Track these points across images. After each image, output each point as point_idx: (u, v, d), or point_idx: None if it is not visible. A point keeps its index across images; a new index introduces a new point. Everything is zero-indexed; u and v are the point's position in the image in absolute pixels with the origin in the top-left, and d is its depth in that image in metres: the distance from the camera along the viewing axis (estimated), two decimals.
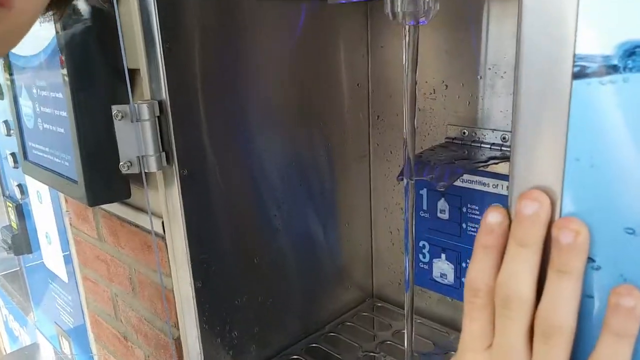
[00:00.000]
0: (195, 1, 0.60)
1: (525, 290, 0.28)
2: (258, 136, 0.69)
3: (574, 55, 0.28)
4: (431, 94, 0.75)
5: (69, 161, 0.68)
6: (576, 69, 0.28)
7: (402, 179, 0.61)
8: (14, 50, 0.76)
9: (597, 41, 0.27)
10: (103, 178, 0.66)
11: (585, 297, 0.29)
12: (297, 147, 0.75)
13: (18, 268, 1.51)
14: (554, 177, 0.29)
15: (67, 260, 1.01)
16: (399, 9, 0.53)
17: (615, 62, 0.27)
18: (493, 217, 0.29)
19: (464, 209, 0.77)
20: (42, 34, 0.65)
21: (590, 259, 0.28)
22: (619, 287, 0.27)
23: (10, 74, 0.77)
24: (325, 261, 0.84)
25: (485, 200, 0.74)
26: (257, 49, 0.67)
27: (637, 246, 0.28)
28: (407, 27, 0.54)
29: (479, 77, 0.70)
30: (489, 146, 0.71)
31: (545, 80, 0.29)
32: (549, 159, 0.29)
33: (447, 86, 0.73)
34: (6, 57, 0.77)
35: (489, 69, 0.69)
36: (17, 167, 1.08)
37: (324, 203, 0.82)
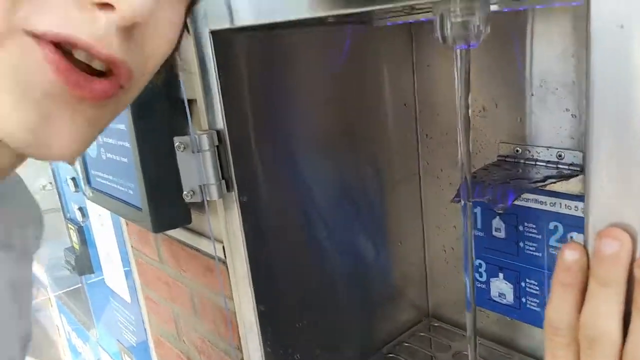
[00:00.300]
0: (246, 34, 0.62)
1: (612, 330, 0.28)
2: (307, 160, 0.71)
3: None
4: (480, 111, 0.75)
5: (133, 189, 0.71)
6: None
7: (459, 201, 0.61)
8: None
9: None
10: (166, 205, 0.68)
11: None
12: (346, 169, 0.76)
13: (79, 285, 1.58)
14: (635, 214, 0.29)
15: (129, 280, 1.05)
16: (448, 33, 0.54)
17: None
18: (570, 254, 0.29)
19: (521, 228, 0.76)
20: None
21: None
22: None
23: None
24: (379, 281, 0.85)
25: (542, 218, 0.72)
26: (303, 76, 0.68)
27: None
28: (457, 50, 0.54)
29: (529, 94, 0.69)
30: (544, 164, 0.70)
31: (622, 109, 0.28)
32: (628, 193, 0.29)
33: (496, 104, 0.73)
34: None
35: (540, 85, 0.68)
36: (78, 192, 1.14)
37: (375, 223, 0.82)
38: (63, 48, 0.27)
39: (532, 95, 0.69)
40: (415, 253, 0.89)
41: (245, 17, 0.53)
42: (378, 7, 0.40)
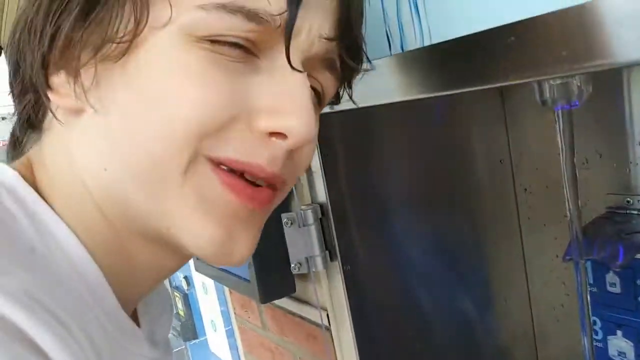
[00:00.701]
0: (340, 114, 0.65)
1: None
2: (406, 224, 0.72)
3: None
4: (584, 163, 0.73)
5: None
6: None
7: (570, 259, 0.59)
8: None
9: None
10: (273, 277, 0.71)
11: None
12: (445, 229, 0.76)
13: (182, 347, 1.64)
14: None
15: (232, 346, 1.08)
16: (547, 96, 0.54)
17: None
18: None
19: (638, 282, 0.71)
20: None
21: None
22: None
23: None
24: (486, 342, 0.82)
25: None
26: (398, 143, 0.70)
27: None
28: (559, 111, 0.54)
29: (635, 143, 0.67)
30: None
31: None
32: None
33: (600, 155, 0.71)
34: None
35: None
36: None
37: (478, 281, 0.81)
38: (235, 170, 0.32)
39: (639, 144, 0.66)
40: (522, 310, 0.86)
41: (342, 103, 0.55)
42: (468, 89, 0.42)
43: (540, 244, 0.82)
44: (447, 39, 0.41)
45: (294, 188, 0.66)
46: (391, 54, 0.47)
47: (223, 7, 0.29)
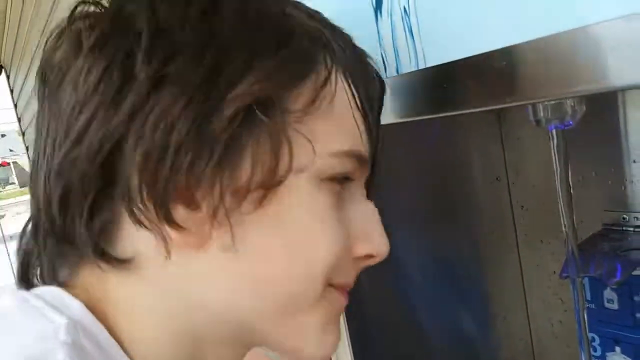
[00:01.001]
0: None
1: None
2: (403, 243, 0.72)
3: None
4: (579, 181, 0.73)
5: None
6: None
7: (567, 277, 0.59)
8: None
9: None
10: None
11: None
12: (442, 247, 0.76)
13: None
14: None
15: None
16: (541, 116, 0.54)
17: None
18: None
19: (636, 298, 0.72)
20: None
21: None
22: None
23: None
24: (485, 358, 0.82)
25: None
26: (394, 165, 0.71)
27: None
28: (553, 131, 0.55)
29: (631, 161, 0.67)
30: None
31: None
32: None
33: (595, 173, 0.71)
34: None
35: None
36: None
37: (476, 299, 0.81)
38: None
39: (634, 162, 0.67)
40: (521, 327, 0.86)
41: None
42: (461, 112, 0.42)
43: (537, 261, 0.82)
44: (441, 63, 0.42)
45: None
46: (387, 77, 0.47)
47: (347, 154, 0.34)
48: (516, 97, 0.39)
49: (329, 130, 0.33)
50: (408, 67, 0.45)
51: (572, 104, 0.53)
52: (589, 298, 0.77)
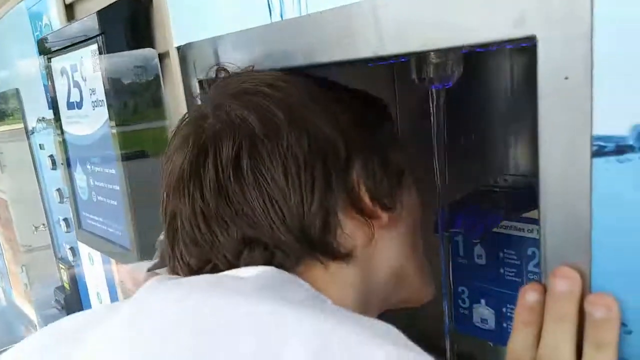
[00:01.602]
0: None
1: None
2: None
3: (592, 136, 0.30)
4: (458, 143, 0.77)
5: (122, 231, 0.73)
6: (594, 148, 0.30)
7: (436, 232, 0.64)
8: (68, 129, 0.82)
9: (612, 123, 0.30)
10: (154, 245, 0.70)
11: None
12: None
13: None
14: (582, 250, 0.31)
15: None
16: (426, 75, 0.57)
17: (631, 142, 0.29)
18: (530, 296, 0.32)
19: (501, 254, 0.78)
20: (95, 117, 0.71)
21: (622, 324, 0.30)
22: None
23: (66, 150, 0.84)
24: None
25: (521, 244, 0.75)
26: None
27: None
28: (433, 90, 0.57)
29: (506, 127, 0.72)
30: (522, 192, 0.73)
31: (567, 158, 0.31)
32: (576, 233, 0.31)
33: (473, 136, 0.76)
34: (62, 134, 0.84)
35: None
36: (70, 232, 1.15)
37: None
38: None
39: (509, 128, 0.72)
40: None
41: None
42: (348, 58, 0.43)
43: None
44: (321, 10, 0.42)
45: None
46: (271, 21, 0.47)
47: None
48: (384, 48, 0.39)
49: None
50: (292, 12, 0.45)
51: (451, 63, 0.56)
52: (462, 254, 0.83)
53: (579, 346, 0.30)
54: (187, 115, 0.44)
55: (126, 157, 0.68)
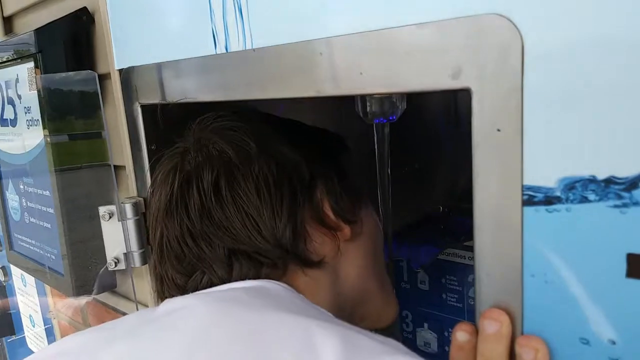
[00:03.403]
0: (174, 106, 0.63)
1: None
2: None
3: (522, 185, 0.31)
4: (404, 172, 0.79)
5: (55, 255, 0.70)
6: (525, 197, 0.32)
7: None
8: (0, 147, 0.78)
9: (541, 174, 0.31)
10: (89, 271, 0.67)
11: None
12: None
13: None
14: (513, 293, 0.32)
15: (50, 341, 1.00)
16: (368, 110, 0.58)
17: (558, 193, 0.31)
18: (461, 336, 0.32)
19: (443, 280, 0.80)
20: (29, 136, 0.68)
21: None
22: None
23: None
24: None
25: (463, 271, 0.76)
26: None
27: (591, 355, 0.31)
28: (377, 124, 0.58)
29: (444, 156, 0.74)
30: (464, 221, 0.75)
31: (500, 205, 0.32)
32: (507, 275, 0.32)
33: (417, 166, 0.77)
34: None
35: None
36: (1, 251, 1.09)
37: None
38: None
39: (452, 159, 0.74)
40: None
41: (174, 95, 0.53)
42: (290, 96, 0.43)
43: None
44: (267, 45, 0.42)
45: (114, 180, 0.63)
46: (216, 52, 0.46)
47: None
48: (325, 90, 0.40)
49: None
50: (237, 46, 0.44)
51: (395, 100, 0.57)
52: (405, 279, 0.84)
53: None
54: (165, 153, 0.49)
55: (61, 180, 0.65)
